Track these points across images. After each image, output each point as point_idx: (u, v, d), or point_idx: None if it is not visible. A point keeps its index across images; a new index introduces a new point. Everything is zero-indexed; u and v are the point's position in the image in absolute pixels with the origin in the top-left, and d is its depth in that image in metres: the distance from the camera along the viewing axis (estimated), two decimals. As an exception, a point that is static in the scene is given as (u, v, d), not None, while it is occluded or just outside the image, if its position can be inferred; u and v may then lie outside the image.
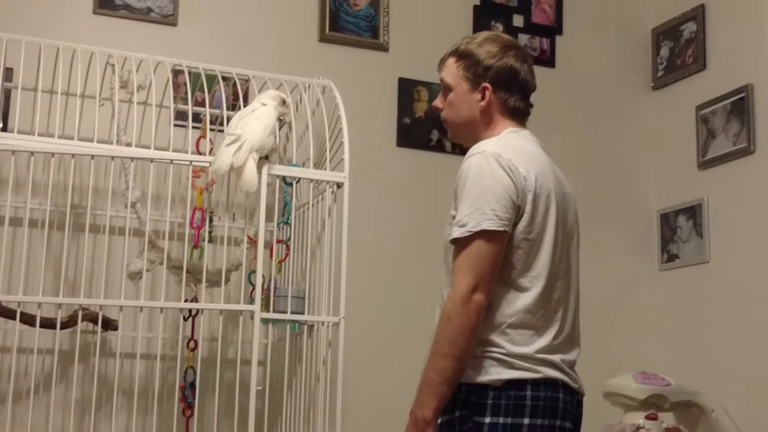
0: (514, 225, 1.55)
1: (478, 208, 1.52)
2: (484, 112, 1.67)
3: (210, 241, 2.33)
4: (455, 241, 1.55)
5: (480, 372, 1.52)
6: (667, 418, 2.34)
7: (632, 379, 2.30)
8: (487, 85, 1.66)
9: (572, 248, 1.65)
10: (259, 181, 2.13)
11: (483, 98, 1.66)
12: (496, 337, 1.54)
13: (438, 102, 1.73)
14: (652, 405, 2.28)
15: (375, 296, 2.70)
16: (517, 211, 1.55)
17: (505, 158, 1.56)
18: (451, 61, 1.69)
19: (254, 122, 2.15)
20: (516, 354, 1.53)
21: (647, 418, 2.26)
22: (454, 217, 1.57)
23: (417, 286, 2.63)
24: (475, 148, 1.61)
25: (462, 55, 1.68)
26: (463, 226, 1.53)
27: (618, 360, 2.78)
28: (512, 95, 1.67)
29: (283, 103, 2.25)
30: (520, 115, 1.70)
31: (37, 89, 2.20)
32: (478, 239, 1.51)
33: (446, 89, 1.71)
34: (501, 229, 1.52)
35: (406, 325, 2.62)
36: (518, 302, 1.55)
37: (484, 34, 1.72)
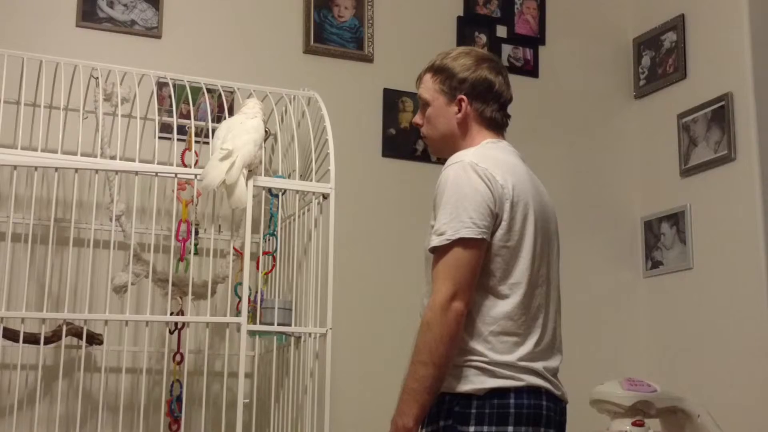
0: (493, 233, 1.56)
1: (456, 216, 1.54)
2: (461, 124, 1.69)
3: (196, 253, 2.33)
4: (434, 250, 1.56)
5: (463, 381, 1.53)
6: (654, 425, 2.35)
7: (619, 386, 2.31)
8: (463, 96, 1.68)
9: (552, 256, 1.66)
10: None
11: (459, 110, 1.69)
12: (477, 346, 1.54)
13: (417, 118, 1.76)
14: (639, 411, 2.29)
15: (362, 307, 2.69)
16: (495, 219, 1.57)
17: (482, 167, 1.58)
18: (428, 77, 1.72)
19: (245, 136, 2.13)
20: (498, 362, 1.53)
21: (634, 424, 2.27)
22: (433, 227, 1.58)
23: (404, 296, 2.62)
24: (453, 158, 1.63)
25: (437, 70, 1.71)
26: (441, 234, 1.54)
27: (604, 367, 2.79)
28: (488, 106, 1.69)
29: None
30: (497, 126, 1.72)
31: (20, 102, 2.19)
32: (456, 247, 1.52)
33: (424, 105, 1.74)
34: (479, 236, 1.53)
35: (394, 336, 2.61)
36: (498, 310, 1.55)
37: (458, 49, 1.75)
